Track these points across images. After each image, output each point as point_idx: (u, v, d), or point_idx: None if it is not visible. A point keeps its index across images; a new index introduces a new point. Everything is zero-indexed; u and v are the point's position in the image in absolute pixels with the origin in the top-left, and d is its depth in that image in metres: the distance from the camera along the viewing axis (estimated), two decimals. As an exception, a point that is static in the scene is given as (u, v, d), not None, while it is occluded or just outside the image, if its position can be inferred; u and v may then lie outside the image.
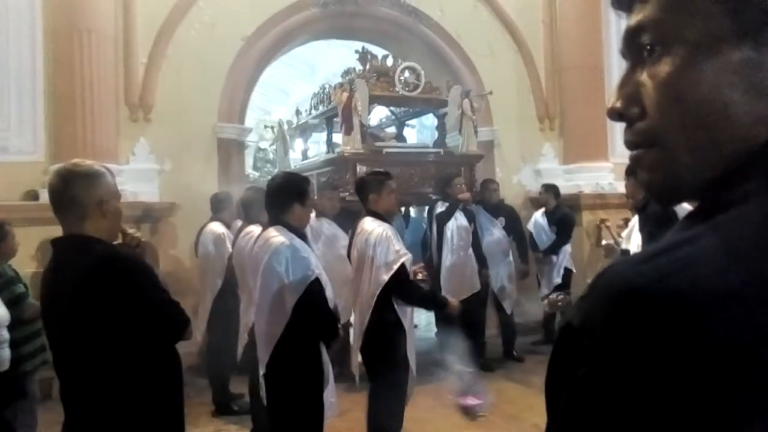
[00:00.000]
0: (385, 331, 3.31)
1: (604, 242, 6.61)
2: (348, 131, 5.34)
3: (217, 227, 4.91)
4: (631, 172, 3.71)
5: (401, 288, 3.35)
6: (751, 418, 0.40)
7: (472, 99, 5.89)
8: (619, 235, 5.71)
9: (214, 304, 4.74)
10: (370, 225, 3.42)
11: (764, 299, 0.42)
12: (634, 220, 4.61)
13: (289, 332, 2.79)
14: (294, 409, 2.83)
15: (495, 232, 5.84)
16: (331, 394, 2.98)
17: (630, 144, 0.58)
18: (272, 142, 7.85)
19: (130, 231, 2.13)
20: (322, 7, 6.57)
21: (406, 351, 3.36)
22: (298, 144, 7.19)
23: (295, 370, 2.81)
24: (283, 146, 7.00)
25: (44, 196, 5.26)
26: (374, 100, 5.62)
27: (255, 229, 4.06)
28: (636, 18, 0.56)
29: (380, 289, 3.28)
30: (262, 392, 2.99)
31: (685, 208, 0.61)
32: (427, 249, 5.79)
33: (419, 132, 9.05)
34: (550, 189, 6.32)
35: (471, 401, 3.31)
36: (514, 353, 5.93)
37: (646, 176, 0.57)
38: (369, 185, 3.55)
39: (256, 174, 9.80)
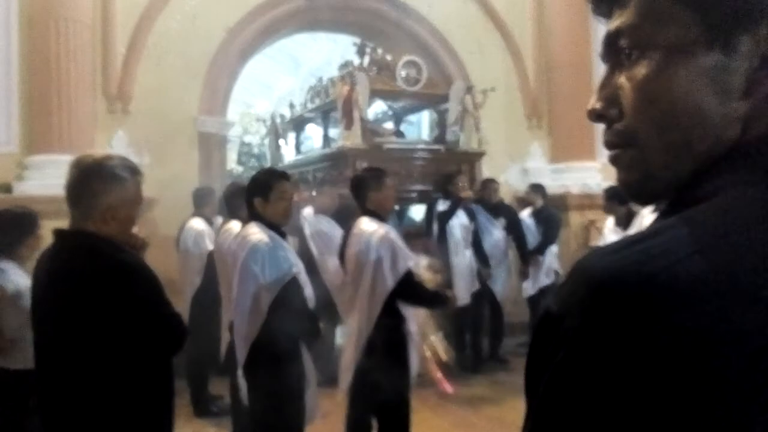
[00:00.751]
0: (385, 334, 3.14)
1: (592, 243, 6.60)
2: (348, 126, 5.20)
3: (197, 224, 4.86)
4: None
5: (409, 291, 3.18)
6: (715, 400, 0.42)
7: (475, 95, 5.81)
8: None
9: (193, 302, 4.68)
10: (369, 226, 3.22)
11: (727, 286, 0.44)
12: (641, 219, 4.60)
13: (266, 332, 2.76)
14: (273, 410, 2.80)
15: (495, 233, 5.76)
16: (312, 396, 2.96)
17: (609, 144, 0.61)
18: (265, 136, 7.70)
19: (134, 230, 2.05)
20: (307, -1, 6.47)
21: (408, 355, 3.22)
22: (291, 138, 7.04)
23: (273, 371, 2.78)
24: (276, 140, 6.89)
25: (18, 189, 5.17)
26: (374, 94, 5.50)
27: (234, 225, 3.97)
28: (615, 23, 0.59)
29: (386, 295, 3.10)
30: (242, 393, 2.97)
31: None
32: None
33: (406, 128, 9.00)
34: (537, 189, 6.28)
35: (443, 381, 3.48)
36: (499, 354, 5.89)
37: (623, 175, 0.60)
38: (368, 182, 3.35)
39: (241, 168, 9.67)
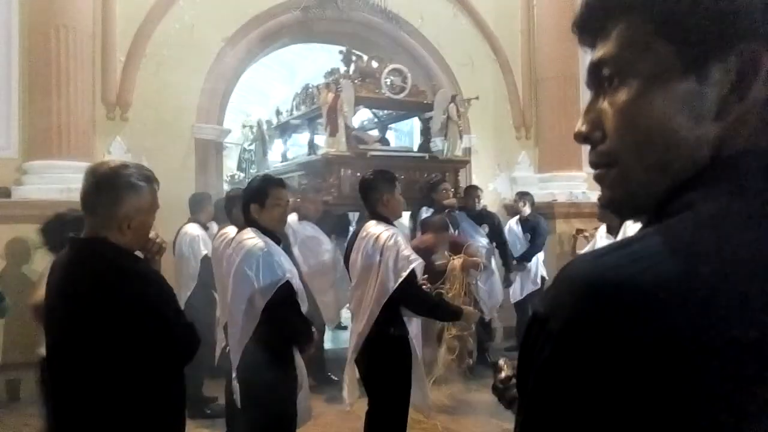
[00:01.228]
0: (389, 345, 3.07)
1: (579, 251, 6.72)
2: (333, 133, 5.17)
3: (192, 229, 4.91)
4: None
5: (410, 296, 3.06)
6: (678, 392, 0.46)
7: (459, 103, 5.80)
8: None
9: (187, 306, 4.72)
10: (376, 228, 3.14)
11: (696, 288, 0.48)
12: (624, 229, 4.68)
13: (260, 335, 2.77)
14: (266, 412, 2.80)
15: (478, 239, 5.71)
16: (304, 398, 2.97)
17: (593, 164, 0.65)
18: (251, 142, 7.69)
19: (152, 236, 2.01)
20: (303, 10, 6.57)
21: (411, 368, 3.12)
22: (278, 145, 7.04)
23: (266, 374, 2.77)
24: (262, 146, 6.88)
25: (16, 194, 5.25)
26: (359, 101, 5.48)
27: (230, 230, 4.06)
28: (598, 54, 0.64)
29: (387, 297, 3.00)
30: (236, 395, 2.96)
31: None
32: None
33: (397, 137, 9.03)
34: (525, 197, 6.39)
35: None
36: (488, 358, 5.93)
37: (606, 193, 0.65)
38: (380, 185, 3.24)
39: (242, 175, 9.67)
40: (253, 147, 7.65)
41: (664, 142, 0.58)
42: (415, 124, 8.43)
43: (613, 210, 0.65)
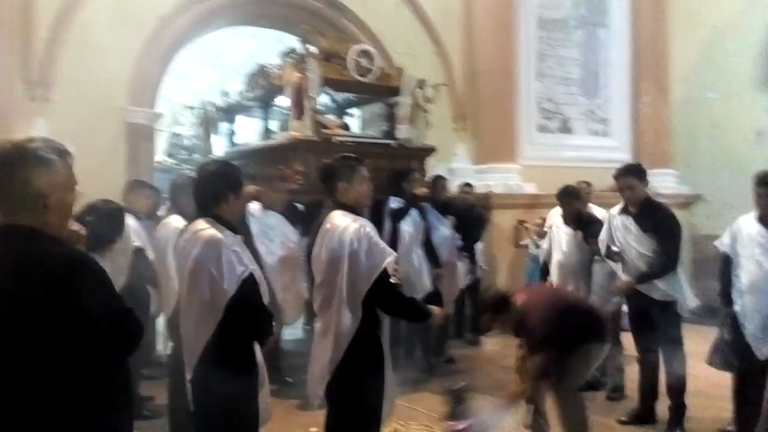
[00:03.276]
0: (363, 347, 2.88)
1: (522, 242, 6.93)
2: (298, 116, 4.87)
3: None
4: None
5: (381, 294, 2.86)
6: None
7: (426, 89, 5.65)
8: (538, 235, 5.94)
9: (119, 301, 4.46)
10: (342, 220, 2.92)
11: None
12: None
13: (221, 333, 2.60)
14: (230, 413, 2.68)
15: (443, 230, 5.59)
16: (265, 396, 2.87)
17: None
18: (197, 125, 7.23)
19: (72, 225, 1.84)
20: (243, -9, 6.37)
21: (384, 370, 2.95)
22: (223, 128, 6.62)
23: (228, 373, 2.62)
24: (206, 130, 6.49)
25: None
26: (325, 83, 5.16)
27: (173, 220, 3.85)
28: None
29: (362, 296, 2.81)
30: (189, 397, 2.74)
31: None
32: None
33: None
34: (468, 188, 6.49)
35: (460, 426, 3.11)
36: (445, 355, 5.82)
37: None
38: (338, 172, 3.04)
39: (171, 161, 9.23)
40: (191, 132, 7.22)
41: None
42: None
43: None
